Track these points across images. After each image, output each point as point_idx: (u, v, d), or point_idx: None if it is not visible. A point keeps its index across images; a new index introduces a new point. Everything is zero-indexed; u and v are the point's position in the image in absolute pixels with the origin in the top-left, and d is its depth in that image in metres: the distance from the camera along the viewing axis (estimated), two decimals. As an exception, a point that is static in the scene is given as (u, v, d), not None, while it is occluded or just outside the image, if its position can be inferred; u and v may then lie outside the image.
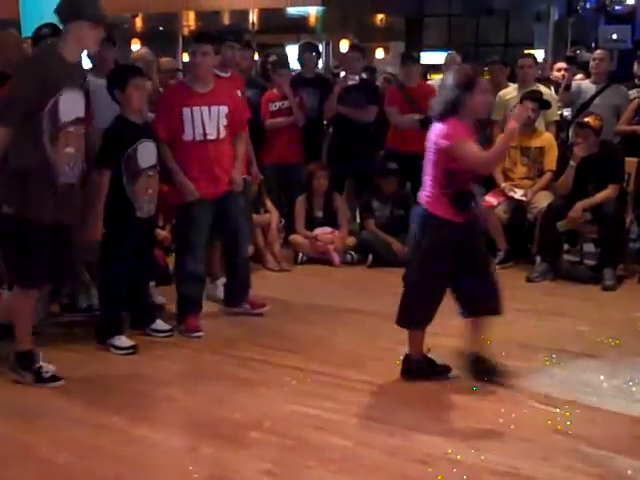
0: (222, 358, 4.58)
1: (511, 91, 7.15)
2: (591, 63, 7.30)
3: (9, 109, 3.85)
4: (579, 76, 7.90)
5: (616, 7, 10.32)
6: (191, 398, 4.03)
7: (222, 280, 5.63)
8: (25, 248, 3.99)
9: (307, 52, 7.70)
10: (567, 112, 7.34)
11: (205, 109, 4.93)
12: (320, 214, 7.08)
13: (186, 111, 4.90)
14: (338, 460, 3.35)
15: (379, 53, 16.47)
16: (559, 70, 7.62)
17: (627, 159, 6.57)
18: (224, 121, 5.00)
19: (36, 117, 3.88)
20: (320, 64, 9.47)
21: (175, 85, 5.60)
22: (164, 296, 5.42)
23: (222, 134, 5.00)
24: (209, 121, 4.95)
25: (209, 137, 4.95)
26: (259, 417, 3.75)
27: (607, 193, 6.30)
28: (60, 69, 3.94)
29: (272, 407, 3.88)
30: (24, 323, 4.15)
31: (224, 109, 5.00)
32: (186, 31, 13.88)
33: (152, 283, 5.27)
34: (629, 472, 3.21)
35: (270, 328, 5.14)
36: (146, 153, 4.70)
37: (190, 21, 14.16)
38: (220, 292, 5.59)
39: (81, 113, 4.07)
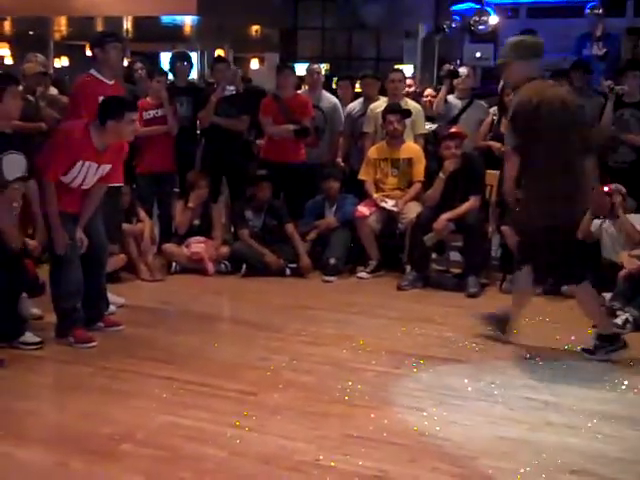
0: (94, 370, 4.50)
1: (381, 104, 7.34)
2: (457, 79, 7.60)
3: None
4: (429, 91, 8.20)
5: (480, 27, 10.78)
6: (60, 412, 3.95)
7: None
8: None
9: (179, 61, 7.67)
10: (433, 126, 7.60)
11: (95, 166, 4.89)
12: (197, 223, 7.06)
13: (79, 163, 4.83)
14: (212, 470, 3.36)
15: (254, 64, 16.55)
16: (427, 96, 7.91)
17: (489, 172, 6.88)
18: (102, 174, 5.00)
19: None
20: (195, 74, 9.45)
21: (81, 132, 5.03)
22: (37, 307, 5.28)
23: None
24: (92, 176, 4.92)
25: (83, 187, 4.95)
26: (131, 429, 3.71)
27: (469, 204, 6.58)
28: None
29: (145, 419, 3.84)
30: None
31: (107, 167, 4.99)
32: (57, 36, 13.51)
33: (24, 294, 5.12)
34: (490, 472, 3.35)
35: (143, 339, 5.09)
36: (12, 165, 4.57)
37: (62, 26, 13.80)
38: None
39: None
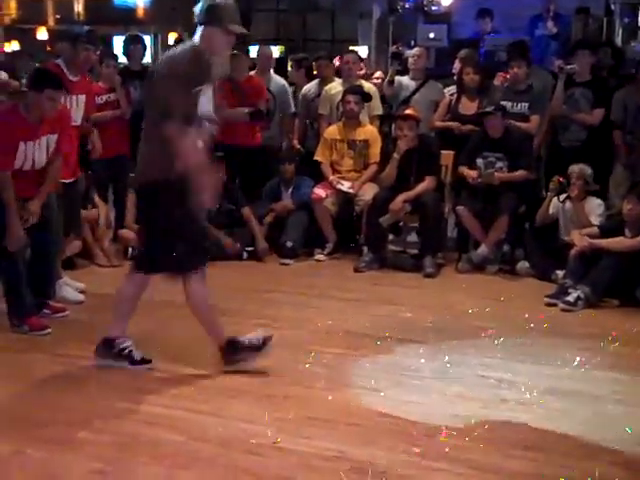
0: (49, 357, 4.47)
1: (336, 86, 7.36)
2: (410, 60, 7.63)
3: None
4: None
5: (433, 7, 10.82)
6: (15, 401, 3.90)
7: (65, 279, 5.54)
8: None
9: (133, 44, 7.59)
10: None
11: (37, 142, 4.81)
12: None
13: (21, 146, 4.74)
14: (171, 455, 3.36)
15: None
16: (377, 79, 7.93)
17: (444, 152, 6.94)
18: (52, 147, 4.92)
19: None
20: (148, 57, 9.35)
21: (10, 115, 5.01)
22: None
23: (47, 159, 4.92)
24: (41, 153, 4.84)
25: (37, 167, 4.87)
26: (88, 416, 3.70)
27: (425, 185, 6.63)
28: None
29: (102, 405, 3.83)
30: None
31: (53, 137, 4.90)
32: (7, 20, 13.26)
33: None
34: (447, 450, 3.41)
35: (100, 325, 5.01)
36: None
37: (11, 9, 13.54)
38: (64, 291, 5.46)
39: None
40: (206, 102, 3.99)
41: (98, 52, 5.85)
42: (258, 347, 4.24)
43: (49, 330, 4.86)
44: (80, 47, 5.41)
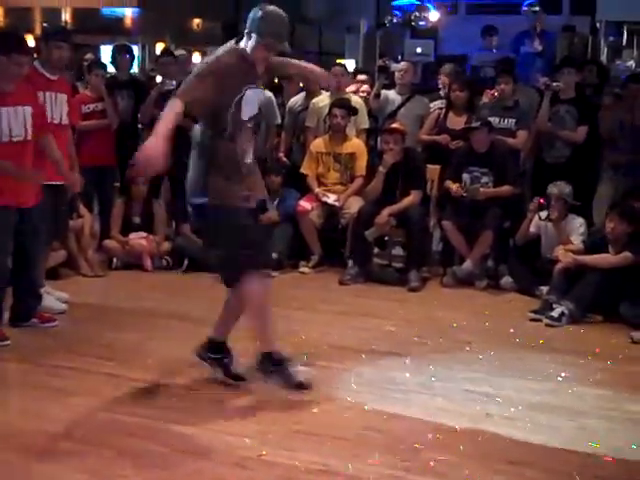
0: (31, 367, 4.44)
1: (324, 99, 7.37)
2: (396, 74, 7.67)
3: None
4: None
5: (420, 23, 10.89)
6: (-1, 410, 3.87)
7: (46, 288, 5.50)
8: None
9: (121, 54, 7.59)
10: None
11: (11, 110, 4.79)
12: (137, 220, 6.99)
13: None
14: (155, 467, 3.33)
15: (196, 57, 16.40)
16: (363, 92, 7.95)
17: (430, 166, 6.97)
18: (30, 122, 4.88)
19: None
20: (135, 67, 9.34)
21: None
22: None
23: (29, 135, 4.88)
24: (17, 122, 4.81)
25: (16, 138, 4.81)
26: (72, 427, 3.67)
27: (410, 199, 6.66)
28: None
29: (86, 416, 3.80)
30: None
31: (28, 110, 4.88)
32: (-5, 27, 13.21)
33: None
34: (432, 464, 3.40)
35: (84, 335, 5.03)
36: None
37: (-1, 17, 13.49)
38: (46, 300, 5.39)
39: None
40: None
41: (69, 48, 5.78)
42: (290, 381, 4.11)
43: (8, 342, 4.79)
44: (52, 44, 5.39)
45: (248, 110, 4.03)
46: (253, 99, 4.05)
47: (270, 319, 4.12)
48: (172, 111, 3.78)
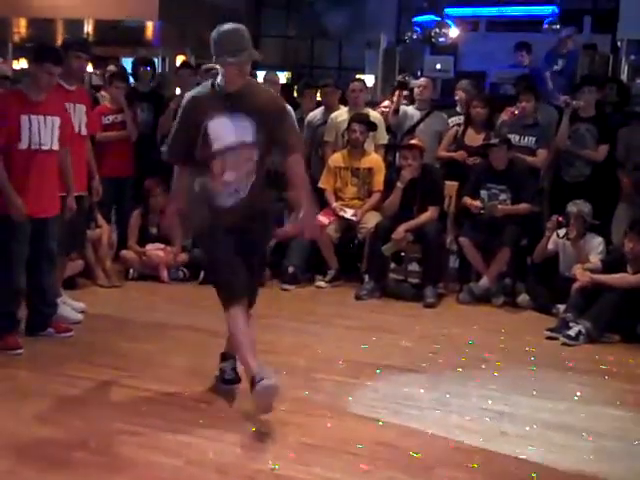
0: (48, 377, 4.44)
1: (342, 113, 7.39)
2: (416, 90, 7.67)
3: None
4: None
5: (440, 39, 10.92)
6: (11, 418, 3.87)
7: (63, 298, 5.52)
8: None
9: (142, 66, 7.64)
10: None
11: (40, 118, 4.87)
12: (155, 231, 7.02)
13: (23, 118, 4.80)
14: (167, 479, 3.33)
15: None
16: (385, 107, 7.94)
17: (448, 183, 6.96)
18: (57, 132, 4.97)
19: None
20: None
21: (10, 92, 5.41)
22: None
23: (55, 145, 4.96)
24: (46, 131, 4.89)
25: (44, 147, 4.89)
26: (85, 437, 3.67)
27: (428, 215, 6.66)
28: None
29: (99, 426, 3.80)
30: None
31: (57, 121, 4.97)
32: (17, 38, 13.32)
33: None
34: (445, 481, 3.39)
35: (99, 345, 5.04)
36: None
37: (21, 27, 13.59)
38: (62, 310, 5.41)
39: None
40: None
41: (89, 59, 5.81)
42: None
43: (21, 350, 4.82)
44: (71, 55, 5.43)
45: (225, 138, 4.04)
46: (229, 126, 4.04)
47: (247, 345, 4.00)
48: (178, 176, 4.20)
